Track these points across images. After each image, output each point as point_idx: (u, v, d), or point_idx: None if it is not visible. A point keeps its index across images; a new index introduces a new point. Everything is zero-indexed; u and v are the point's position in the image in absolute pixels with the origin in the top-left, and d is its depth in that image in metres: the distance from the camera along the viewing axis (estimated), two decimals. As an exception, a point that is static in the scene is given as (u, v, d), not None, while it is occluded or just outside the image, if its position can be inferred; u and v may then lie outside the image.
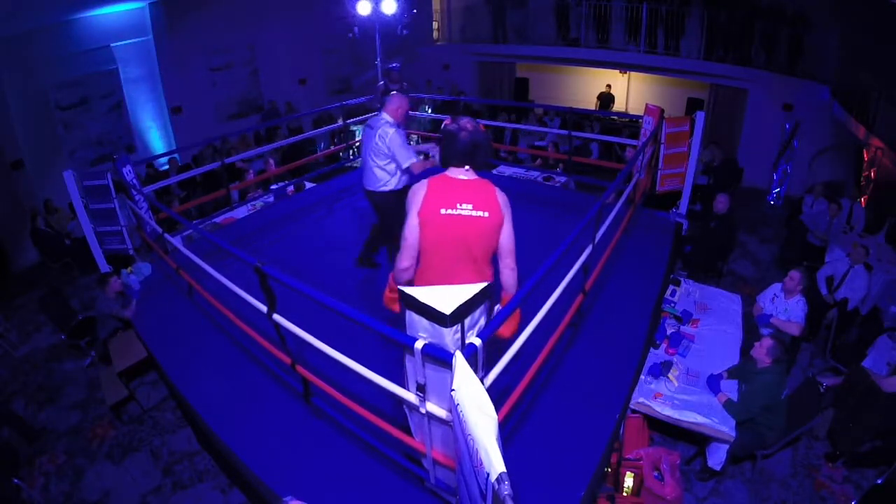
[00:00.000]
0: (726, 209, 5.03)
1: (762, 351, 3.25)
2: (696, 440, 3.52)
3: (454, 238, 2.14)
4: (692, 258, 5.22)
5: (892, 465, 3.09)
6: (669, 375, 3.42)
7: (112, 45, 7.72)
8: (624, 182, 4.05)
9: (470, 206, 2.10)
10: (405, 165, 3.48)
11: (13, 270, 6.91)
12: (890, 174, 6.22)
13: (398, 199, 3.53)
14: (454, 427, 1.72)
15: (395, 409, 2.56)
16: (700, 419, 3.14)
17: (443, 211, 2.11)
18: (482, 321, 1.87)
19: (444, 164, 2.23)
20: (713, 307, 4.18)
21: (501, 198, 2.20)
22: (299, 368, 2.79)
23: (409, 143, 3.64)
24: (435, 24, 11.53)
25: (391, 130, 3.47)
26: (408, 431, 2.26)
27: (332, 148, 7.11)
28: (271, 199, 5.88)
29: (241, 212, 5.69)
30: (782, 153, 7.81)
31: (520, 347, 2.27)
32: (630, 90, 10.74)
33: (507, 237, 2.22)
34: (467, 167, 2.19)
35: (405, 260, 2.25)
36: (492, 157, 2.49)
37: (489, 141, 2.22)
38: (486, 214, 2.12)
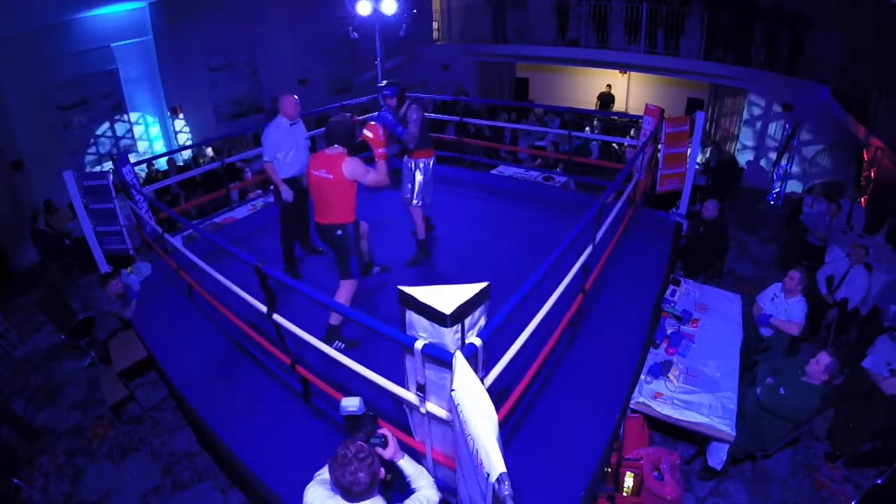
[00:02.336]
0: (714, 215, 4.93)
1: (819, 368, 3.09)
2: (696, 440, 3.52)
3: (316, 189, 3.23)
4: (686, 262, 5.20)
5: (892, 465, 3.09)
6: (669, 375, 3.42)
7: (112, 45, 7.72)
8: (624, 182, 4.05)
9: (324, 171, 3.14)
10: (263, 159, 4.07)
11: (13, 270, 6.91)
12: (890, 174, 6.22)
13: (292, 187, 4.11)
14: (454, 427, 1.72)
15: (396, 409, 2.56)
16: (700, 419, 3.13)
17: (314, 172, 3.20)
18: (482, 321, 1.87)
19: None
20: (713, 307, 4.18)
21: (346, 167, 3.11)
22: (299, 368, 2.79)
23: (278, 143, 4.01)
24: (435, 24, 11.53)
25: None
26: (408, 431, 2.26)
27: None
28: (271, 199, 5.87)
29: (241, 212, 5.69)
30: (782, 153, 7.81)
31: (520, 347, 2.28)
32: (630, 90, 10.73)
33: (362, 180, 3.17)
34: (335, 145, 3.19)
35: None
36: (355, 139, 3.29)
37: (346, 127, 3.19)
38: (331, 177, 3.12)
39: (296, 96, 4.08)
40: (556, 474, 2.44)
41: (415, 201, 4.12)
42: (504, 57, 10.91)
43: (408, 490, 1.89)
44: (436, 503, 1.84)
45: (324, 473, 1.83)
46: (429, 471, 2.20)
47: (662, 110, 4.70)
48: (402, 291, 1.82)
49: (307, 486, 1.80)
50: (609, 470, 3.02)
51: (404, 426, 2.29)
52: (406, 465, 1.90)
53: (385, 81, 4.00)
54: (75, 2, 6.72)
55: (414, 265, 4.25)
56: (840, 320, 4.68)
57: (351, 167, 3.11)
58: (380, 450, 1.81)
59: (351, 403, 1.91)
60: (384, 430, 1.88)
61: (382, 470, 1.71)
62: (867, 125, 6.38)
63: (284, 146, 3.97)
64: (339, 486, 1.64)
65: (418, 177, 4.07)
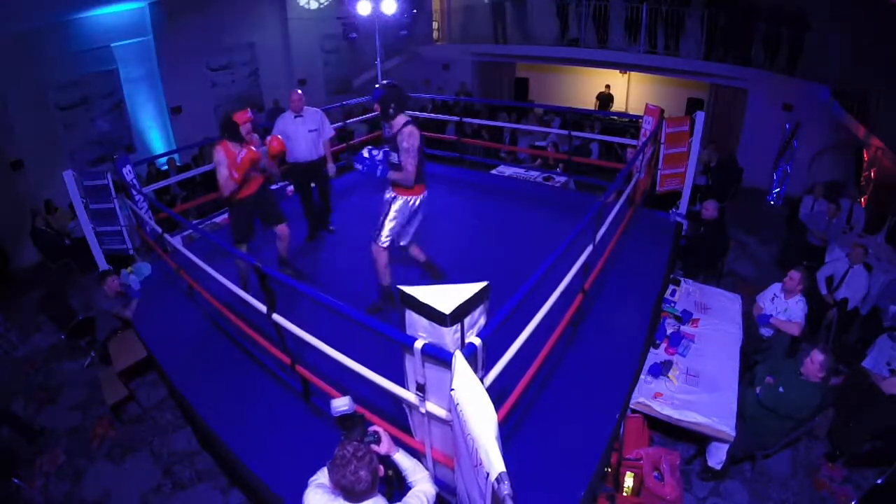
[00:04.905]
0: (714, 215, 4.91)
1: (815, 367, 3.10)
2: (696, 440, 3.52)
3: None
4: (686, 262, 5.20)
5: (893, 465, 3.09)
6: (669, 375, 3.42)
7: (112, 45, 7.71)
8: (624, 182, 4.05)
9: None
10: None
11: (13, 270, 6.91)
12: (890, 174, 6.21)
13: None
14: (454, 427, 1.72)
15: (396, 409, 2.56)
16: (700, 419, 3.13)
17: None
18: (482, 321, 1.87)
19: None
20: (713, 307, 4.18)
21: (215, 152, 3.38)
22: (299, 368, 2.79)
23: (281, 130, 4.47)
24: (435, 24, 11.53)
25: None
26: (408, 431, 2.26)
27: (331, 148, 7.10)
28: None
29: (241, 212, 5.67)
30: (782, 153, 7.81)
31: (520, 347, 2.28)
32: (630, 90, 10.73)
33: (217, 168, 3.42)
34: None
35: None
36: (229, 130, 3.45)
37: (225, 118, 3.45)
38: None
39: (299, 91, 4.54)
40: (556, 474, 2.44)
41: (382, 240, 3.34)
42: (504, 57, 10.90)
43: (405, 485, 1.89)
44: (433, 496, 1.85)
45: (320, 477, 1.82)
46: (428, 471, 2.21)
47: (662, 110, 4.70)
48: (402, 291, 1.82)
49: (305, 492, 1.80)
50: (609, 470, 3.02)
51: (404, 426, 2.29)
52: (401, 459, 1.92)
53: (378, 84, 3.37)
54: (75, 2, 6.72)
55: (373, 312, 3.56)
56: (840, 320, 4.68)
57: (214, 154, 3.39)
58: (374, 447, 1.83)
59: (341, 403, 1.93)
60: (375, 427, 1.91)
61: (381, 467, 1.72)
62: (867, 125, 6.37)
63: (287, 135, 4.36)
64: (340, 487, 1.64)
65: (392, 215, 3.30)
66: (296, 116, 4.46)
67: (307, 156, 4.56)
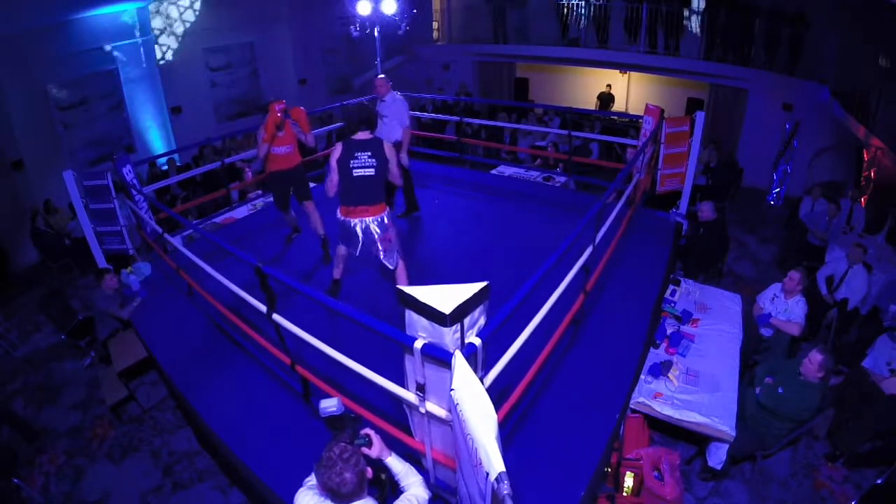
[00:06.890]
0: (711, 217, 4.91)
1: (813, 367, 3.09)
2: (696, 440, 3.51)
3: None
4: (686, 262, 5.20)
5: (892, 465, 3.09)
6: (669, 375, 3.42)
7: (112, 45, 7.71)
8: (624, 182, 4.05)
9: None
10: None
11: (13, 270, 6.91)
12: (890, 174, 6.21)
13: None
14: (454, 427, 1.72)
15: (395, 409, 2.56)
16: (700, 419, 3.13)
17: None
18: (482, 321, 1.87)
19: None
20: (713, 307, 4.18)
21: None
22: (299, 368, 2.79)
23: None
24: (435, 24, 11.52)
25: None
26: (408, 431, 2.26)
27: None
28: (271, 198, 5.87)
29: (241, 212, 5.69)
30: (782, 153, 7.82)
31: (520, 347, 2.28)
32: (630, 90, 10.72)
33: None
34: None
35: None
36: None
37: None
38: None
39: (382, 76, 4.86)
40: (556, 474, 2.44)
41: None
42: (504, 57, 10.90)
43: (397, 488, 1.89)
44: (426, 500, 1.84)
45: (313, 479, 1.82)
46: (429, 471, 2.21)
47: (662, 110, 4.70)
48: (402, 291, 1.82)
49: (297, 493, 1.80)
50: (609, 470, 3.02)
51: (404, 426, 2.29)
52: (394, 462, 1.90)
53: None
54: (75, 2, 6.72)
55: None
56: (840, 320, 4.68)
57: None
58: (365, 450, 1.80)
59: (330, 404, 1.92)
60: (367, 430, 1.88)
61: (369, 469, 1.71)
62: (867, 125, 6.37)
63: None
64: (327, 489, 1.63)
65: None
66: (379, 101, 4.80)
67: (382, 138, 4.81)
